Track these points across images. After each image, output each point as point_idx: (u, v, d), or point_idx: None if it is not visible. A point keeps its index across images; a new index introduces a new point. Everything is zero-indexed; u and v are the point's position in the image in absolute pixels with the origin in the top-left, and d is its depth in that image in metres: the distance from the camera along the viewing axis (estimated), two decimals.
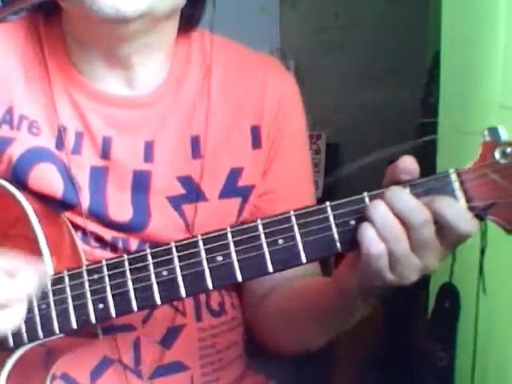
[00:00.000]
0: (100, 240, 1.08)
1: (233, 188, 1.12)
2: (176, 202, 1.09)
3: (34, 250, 0.95)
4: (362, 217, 0.82)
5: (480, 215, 0.81)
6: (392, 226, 0.80)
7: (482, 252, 0.84)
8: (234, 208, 1.12)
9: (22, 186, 1.04)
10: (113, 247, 1.08)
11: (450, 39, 1.45)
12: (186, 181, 1.09)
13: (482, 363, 1.15)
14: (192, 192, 1.09)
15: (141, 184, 1.08)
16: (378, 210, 0.81)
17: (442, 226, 0.80)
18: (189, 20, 1.10)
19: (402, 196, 0.81)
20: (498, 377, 1.16)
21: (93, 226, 1.07)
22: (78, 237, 1.06)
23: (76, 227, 1.07)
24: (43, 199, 1.05)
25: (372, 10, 2.73)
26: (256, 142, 1.14)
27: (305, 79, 2.83)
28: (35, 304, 0.91)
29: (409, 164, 0.82)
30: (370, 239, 0.80)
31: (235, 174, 1.12)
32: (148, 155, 1.08)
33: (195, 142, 1.10)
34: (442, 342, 1.23)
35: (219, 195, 1.11)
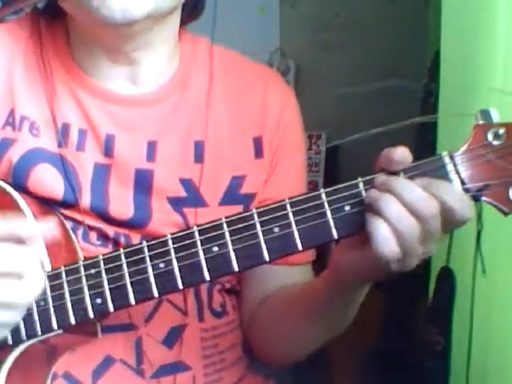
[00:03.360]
0: (102, 236, 1.08)
1: (235, 195, 1.12)
2: (177, 204, 1.09)
3: None
4: (358, 202, 0.82)
5: (475, 197, 0.82)
6: (407, 222, 0.80)
7: (479, 234, 0.84)
8: None
9: (22, 187, 1.04)
10: (115, 243, 1.08)
11: (450, 39, 1.45)
12: (187, 184, 1.09)
13: (479, 348, 1.15)
14: (193, 196, 1.09)
15: (143, 183, 1.08)
16: (392, 206, 0.80)
17: (443, 212, 0.80)
18: (191, 11, 1.12)
19: (411, 187, 0.81)
20: (496, 361, 1.16)
21: (95, 223, 1.07)
22: (79, 234, 1.06)
23: (77, 224, 1.07)
24: (44, 200, 1.05)
25: (372, 10, 2.73)
26: (258, 152, 1.15)
27: (305, 79, 2.84)
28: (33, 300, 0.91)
29: (403, 155, 0.82)
30: (384, 238, 0.80)
31: (238, 181, 1.12)
32: (150, 154, 1.09)
33: (198, 147, 1.11)
34: (439, 326, 1.23)
35: (220, 202, 1.11)
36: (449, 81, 1.46)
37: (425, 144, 1.50)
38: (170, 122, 1.10)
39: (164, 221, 1.08)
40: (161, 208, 1.08)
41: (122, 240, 1.08)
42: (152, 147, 1.09)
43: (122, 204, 1.07)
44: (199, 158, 1.10)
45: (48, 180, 1.05)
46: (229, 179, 1.12)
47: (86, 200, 1.06)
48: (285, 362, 1.17)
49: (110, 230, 1.07)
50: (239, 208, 1.12)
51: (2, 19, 1.08)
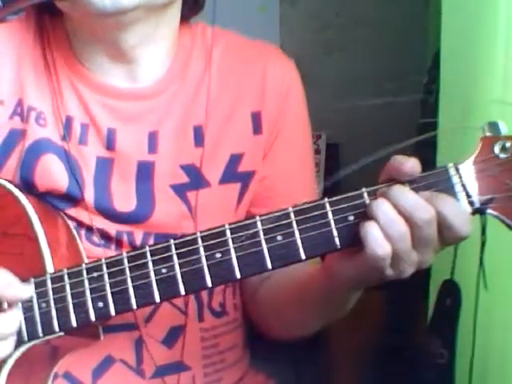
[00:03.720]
0: (105, 235, 1.08)
1: (233, 173, 1.12)
2: (180, 190, 1.09)
3: (34, 249, 0.96)
4: (361, 212, 0.82)
5: (480, 210, 0.81)
6: (397, 225, 0.80)
7: (482, 246, 0.83)
8: (234, 193, 1.13)
9: (30, 178, 1.05)
10: (118, 242, 1.08)
11: (450, 39, 1.44)
12: (189, 169, 1.10)
13: (481, 360, 1.15)
14: (195, 179, 1.10)
15: (145, 174, 1.08)
16: (383, 208, 0.80)
17: (441, 226, 0.80)
18: (192, 6, 1.12)
19: (406, 194, 0.80)
20: (498, 374, 1.16)
21: (98, 221, 1.07)
22: (82, 234, 1.07)
23: (80, 224, 1.07)
24: (49, 193, 1.05)
25: (372, 10, 2.73)
26: (257, 128, 1.14)
27: (305, 79, 2.84)
28: (35, 302, 0.92)
29: (414, 167, 0.81)
30: (376, 239, 0.80)
31: (235, 159, 1.12)
32: (152, 146, 1.09)
33: (198, 131, 1.11)
34: (443, 338, 1.22)
35: (220, 180, 1.11)
36: (449, 81, 1.46)
37: (425, 145, 1.49)
38: (169, 112, 1.10)
39: (167, 209, 1.09)
40: (163, 196, 1.09)
41: (125, 238, 1.08)
42: (153, 138, 1.09)
43: (124, 197, 1.08)
44: (199, 142, 1.11)
45: (54, 171, 1.06)
46: (228, 157, 1.12)
47: (88, 194, 1.06)
48: (289, 337, 1.15)
49: (113, 229, 1.08)
50: (237, 186, 1.13)
51: (2, 19, 1.08)
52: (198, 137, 1.11)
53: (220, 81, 1.13)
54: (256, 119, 1.14)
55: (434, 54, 1.94)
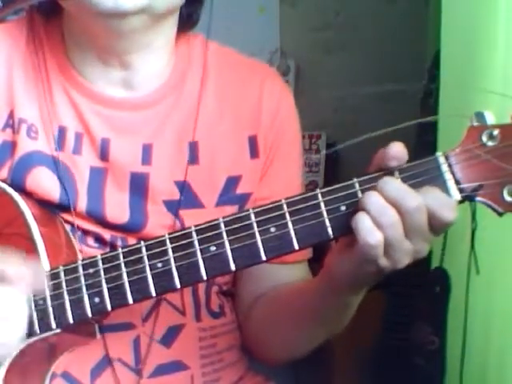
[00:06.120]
0: (99, 239, 1.08)
1: (231, 196, 1.12)
2: (173, 207, 1.09)
3: (30, 248, 0.96)
4: (353, 202, 0.83)
5: (469, 197, 0.82)
6: (387, 213, 0.81)
7: (473, 233, 0.84)
8: None
9: (20, 189, 1.04)
10: (112, 246, 1.08)
11: (450, 39, 1.45)
12: (182, 186, 1.09)
13: (476, 347, 1.15)
14: (188, 198, 1.10)
15: (138, 186, 1.08)
16: (372, 198, 0.81)
17: (428, 215, 0.81)
18: (187, 19, 1.11)
19: (392, 183, 0.82)
20: (495, 360, 1.16)
21: (91, 227, 1.07)
22: (76, 237, 1.07)
23: (74, 228, 1.07)
24: (41, 202, 1.05)
25: (372, 10, 2.73)
26: (254, 152, 1.14)
27: (305, 79, 2.84)
28: (32, 300, 0.92)
29: (398, 150, 0.83)
30: (367, 228, 0.81)
31: (233, 181, 1.12)
32: (146, 158, 1.09)
33: (193, 148, 1.10)
34: (433, 325, 1.23)
35: (216, 203, 1.11)
36: (449, 81, 1.46)
37: (425, 145, 1.50)
38: (164, 125, 1.10)
39: (160, 224, 1.08)
40: (157, 211, 1.08)
41: (119, 243, 1.08)
42: (147, 150, 1.09)
43: (118, 208, 1.07)
44: (194, 159, 1.10)
45: (44, 183, 1.05)
46: (224, 179, 1.12)
47: (82, 204, 1.06)
48: (281, 360, 1.16)
49: (107, 234, 1.08)
50: (235, 208, 1.12)
51: (1, 19, 1.08)
52: (193, 154, 1.10)
53: (217, 100, 1.13)
54: (253, 143, 1.14)
55: (434, 54, 1.95)
